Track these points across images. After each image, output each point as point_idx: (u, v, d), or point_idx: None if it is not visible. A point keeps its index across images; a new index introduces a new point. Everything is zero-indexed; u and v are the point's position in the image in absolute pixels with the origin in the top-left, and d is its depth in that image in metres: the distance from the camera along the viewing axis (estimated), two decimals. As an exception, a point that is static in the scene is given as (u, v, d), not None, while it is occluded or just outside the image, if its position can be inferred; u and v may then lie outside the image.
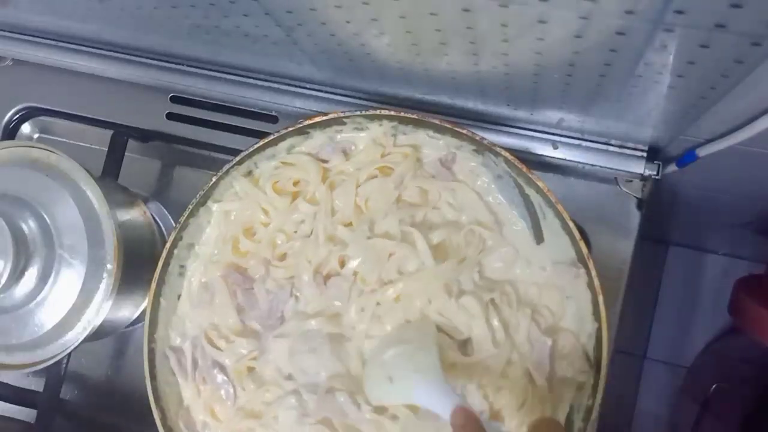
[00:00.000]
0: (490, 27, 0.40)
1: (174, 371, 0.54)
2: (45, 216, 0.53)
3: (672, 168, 0.59)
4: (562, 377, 0.49)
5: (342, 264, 0.52)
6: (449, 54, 0.47)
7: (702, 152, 0.53)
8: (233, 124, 0.67)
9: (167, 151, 0.69)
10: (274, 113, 0.66)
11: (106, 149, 0.64)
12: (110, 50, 0.67)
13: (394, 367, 0.47)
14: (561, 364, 0.49)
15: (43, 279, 0.53)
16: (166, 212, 0.66)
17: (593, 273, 0.49)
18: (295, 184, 0.55)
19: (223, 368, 0.53)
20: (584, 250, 0.49)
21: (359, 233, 0.52)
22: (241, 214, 0.55)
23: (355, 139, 0.55)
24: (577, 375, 0.49)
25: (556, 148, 0.60)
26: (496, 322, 0.49)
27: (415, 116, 0.52)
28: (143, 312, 0.56)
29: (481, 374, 0.49)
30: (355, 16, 0.43)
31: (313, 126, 0.54)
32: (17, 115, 0.70)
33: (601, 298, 0.48)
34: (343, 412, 0.49)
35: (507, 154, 0.50)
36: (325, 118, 0.53)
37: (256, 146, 0.54)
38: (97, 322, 0.53)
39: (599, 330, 0.48)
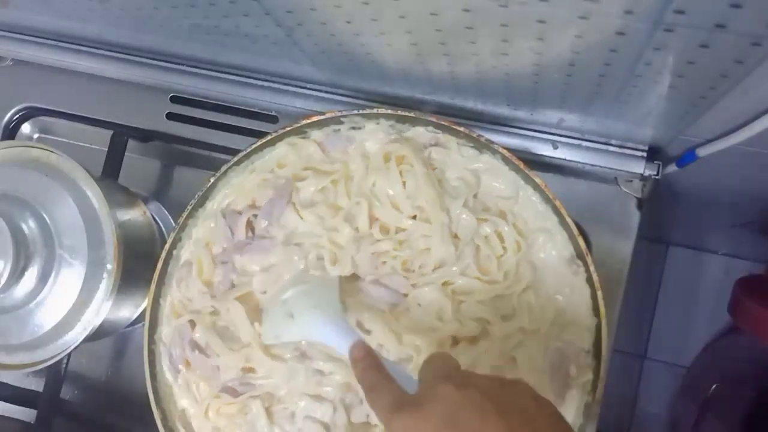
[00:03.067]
0: (490, 27, 0.40)
1: (166, 369, 0.54)
2: (45, 216, 0.53)
3: (672, 168, 0.59)
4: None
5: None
6: (449, 54, 0.47)
7: (702, 152, 0.53)
8: (233, 124, 0.67)
9: (167, 151, 0.69)
10: (274, 113, 0.66)
11: (106, 149, 0.64)
12: (110, 50, 0.67)
13: (295, 304, 0.48)
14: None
15: (43, 279, 0.53)
16: (166, 212, 0.66)
17: (592, 268, 0.49)
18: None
19: (199, 347, 0.53)
20: (582, 245, 0.49)
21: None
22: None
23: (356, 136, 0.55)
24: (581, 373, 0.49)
25: (556, 148, 0.60)
26: None
27: (412, 114, 0.52)
28: (143, 312, 0.56)
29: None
30: (355, 16, 0.43)
31: (310, 126, 0.54)
32: (17, 115, 0.70)
33: (600, 293, 0.48)
34: None
35: (504, 151, 0.51)
36: (322, 117, 0.54)
37: (253, 146, 0.54)
38: (97, 322, 0.53)
39: (599, 325, 0.48)
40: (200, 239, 0.55)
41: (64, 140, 0.71)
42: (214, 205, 0.56)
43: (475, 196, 0.52)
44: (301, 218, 0.53)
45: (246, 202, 0.55)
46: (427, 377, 0.38)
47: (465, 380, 0.35)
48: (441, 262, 0.51)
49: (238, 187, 0.55)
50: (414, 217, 0.52)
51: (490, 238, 0.51)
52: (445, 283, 0.50)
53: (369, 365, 0.40)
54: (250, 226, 0.54)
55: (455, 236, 0.51)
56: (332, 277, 0.51)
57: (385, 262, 0.51)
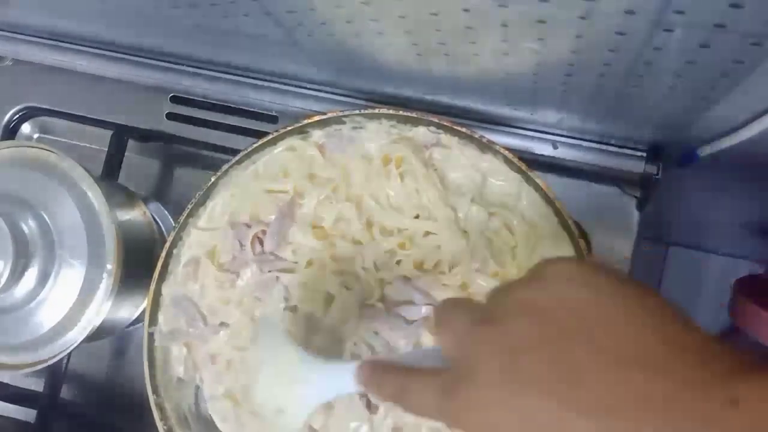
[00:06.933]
0: (490, 27, 0.40)
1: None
2: (45, 216, 0.53)
3: (672, 168, 0.59)
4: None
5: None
6: (449, 54, 0.47)
7: (702, 152, 0.53)
8: (233, 124, 0.67)
9: (167, 151, 0.69)
10: (274, 113, 0.66)
11: (106, 149, 0.64)
12: (110, 50, 0.67)
13: (274, 397, 0.40)
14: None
15: (43, 279, 0.53)
16: (166, 212, 0.66)
17: None
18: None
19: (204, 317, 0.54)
20: (584, 246, 0.49)
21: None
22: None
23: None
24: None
25: (556, 148, 0.60)
26: None
27: (413, 114, 0.52)
28: (143, 312, 0.56)
29: None
30: (355, 16, 0.43)
31: (312, 125, 0.54)
32: (17, 115, 0.70)
33: None
34: None
35: (506, 152, 0.51)
36: (324, 117, 0.53)
37: (255, 145, 0.54)
38: (97, 322, 0.53)
39: None
40: (206, 242, 0.55)
41: (64, 140, 0.71)
42: (217, 205, 0.56)
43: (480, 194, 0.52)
44: (306, 236, 0.53)
45: (251, 214, 0.55)
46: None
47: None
48: (455, 259, 0.50)
49: (243, 189, 0.55)
50: (417, 217, 0.52)
51: (500, 231, 0.51)
52: (462, 285, 0.50)
53: (383, 380, 0.34)
54: (258, 240, 0.54)
55: (464, 231, 0.51)
56: (277, 334, 0.43)
57: (400, 261, 0.51)
